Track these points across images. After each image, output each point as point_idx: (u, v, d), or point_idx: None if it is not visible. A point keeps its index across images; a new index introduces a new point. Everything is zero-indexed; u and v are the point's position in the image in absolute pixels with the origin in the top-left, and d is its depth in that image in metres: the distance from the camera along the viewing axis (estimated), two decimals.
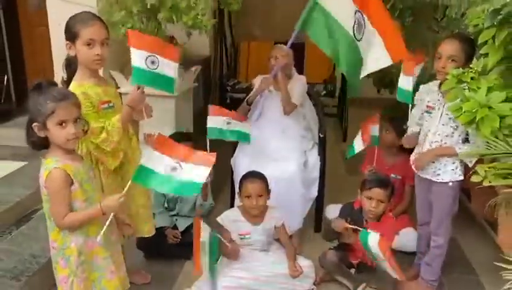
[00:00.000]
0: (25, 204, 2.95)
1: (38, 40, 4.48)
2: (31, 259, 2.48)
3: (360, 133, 3.08)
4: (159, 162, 1.86)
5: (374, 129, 3.00)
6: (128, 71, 3.24)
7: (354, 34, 2.51)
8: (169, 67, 2.19)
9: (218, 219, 2.70)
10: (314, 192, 3.15)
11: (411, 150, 2.62)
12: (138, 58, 2.09)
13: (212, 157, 2.01)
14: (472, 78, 2.03)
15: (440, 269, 2.56)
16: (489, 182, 1.94)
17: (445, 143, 2.38)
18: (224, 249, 2.64)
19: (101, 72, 2.27)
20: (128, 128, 2.31)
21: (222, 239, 2.44)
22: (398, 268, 2.29)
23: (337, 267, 2.69)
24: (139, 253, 2.90)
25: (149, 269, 2.79)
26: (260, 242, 2.68)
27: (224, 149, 3.38)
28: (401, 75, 2.65)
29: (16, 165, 3.40)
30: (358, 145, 3.07)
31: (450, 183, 2.39)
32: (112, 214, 1.84)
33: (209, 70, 5.34)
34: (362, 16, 2.48)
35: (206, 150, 2.75)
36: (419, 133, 2.53)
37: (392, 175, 3.11)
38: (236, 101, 4.23)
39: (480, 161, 2.19)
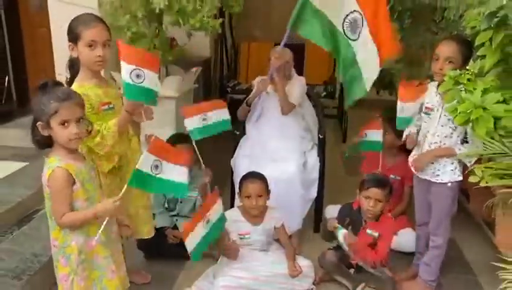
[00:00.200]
0: (26, 204, 2.98)
1: (40, 41, 4.50)
2: (33, 258, 2.50)
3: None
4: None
5: (377, 134, 2.96)
6: None
7: (344, 32, 2.55)
8: (152, 80, 2.11)
9: None
10: (313, 193, 3.17)
11: (410, 151, 2.64)
12: (126, 72, 2.03)
13: (185, 156, 2.05)
14: (468, 80, 2.05)
15: (439, 269, 2.58)
16: (486, 182, 1.96)
17: (444, 144, 2.40)
18: (223, 249, 2.66)
19: (102, 73, 2.29)
20: (127, 130, 2.33)
21: (227, 233, 2.44)
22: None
23: (336, 267, 2.70)
24: (139, 253, 2.91)
25: (149, 269, 2.81)
26: (260, 242, 2.69)
27: (224, 150, 3.41)
28: (398, 103, 2.58)
29: (17, 165, 3.42)
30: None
31: (449, 184, 2.41)
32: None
33: (209, 72, 5.37)
34: (362, 17, 2.50)
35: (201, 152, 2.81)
36: (417, 133, 2.55)
37: (392, 176, 3.12)
38: (236, 102, 4.25)
39: (479, 162, 2.21)
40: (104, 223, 1.83)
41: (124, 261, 2.15)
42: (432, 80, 2.46)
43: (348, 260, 2.68)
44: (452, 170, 2.40)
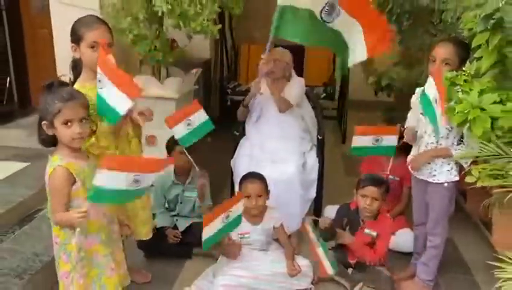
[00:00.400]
0: (27, 204, 2.99)
1: (41, 42, 4.52)
2: (34, 258, 2.52)
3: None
4: (117, 179, 1.75)
5: (393, 140, 2.79)
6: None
7: (322, 19, 2.67)
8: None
9: None
10: (312, 193, 3.19)
11: (408, 152, 2.66)
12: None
13: (163, 161, 2.05)
14: (465, 81, 2.07)
15: (436, 269, 2.60)
16: (482, 182, 1.99)
17: (440, 144, 2.43)
18: (224, 247, 2.68)
19: None
20: (127, 131, 2.35)
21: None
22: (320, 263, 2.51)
23: None
24: (139, 252, 2.93)
25: (150, 268, 2.83)
26: (259, 242, 2.71)
27: (224, 150, 3.43)
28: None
29: (18, 165, 3.43)
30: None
31: (446, 184, 2.43)
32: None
33: (209, 73, 5.38)
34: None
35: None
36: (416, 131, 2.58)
37: (390, 177, 3.14)
38: (236, 103, 4.27)
39: (475, 162, 2.23)
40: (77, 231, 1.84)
41: (125, 260, 2.17)
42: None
43: (346, 259, 2.70)
44: (448, 170, 2.42)
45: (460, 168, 2.39)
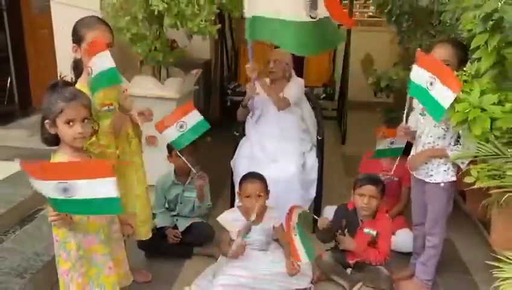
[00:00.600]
0: (28, 204, 3.00)
1: (41, 42, 4.54)
2: (35, 257, 2.53)
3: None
4: (48, 189, 1.62)
5: (403, 141, 2.81)
6: (129, 75, 3.30)
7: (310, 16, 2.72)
8: (102, 62, 2.00)
9: (218, 219, 2.74)
10: (312, 193, 3.21)
11: (408, 153, 2.68)
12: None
13: (107, 166, 1.60)
14: (465, 81, 2.08)
15: (435, 269, 2.61)
16: (481, 183, 2.00)
17: (437, 145, 2.44)
18: (224, 248, 2.70)
19: None
20: (127, 132, 2.37)
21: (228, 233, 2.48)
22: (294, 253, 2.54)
23: (333, 268, 2.74)
24: (140, 252, 2.94)
25: (150, 268, 2.84)
26: (259, 242, 2.72)
27: (224, 151, 3.45)
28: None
29: (19, 165, 3.43)
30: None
31: (442, 184, 2.45)
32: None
33: (209, 73, 5.40)
34: None
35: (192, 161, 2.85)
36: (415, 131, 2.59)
37: (390, 177, 3.15)
38: (236, 103, 4.27)
39: (473, 163, 2.24)
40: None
41: (127, 259, 2.18)
42: None
43: (345, 259, 2.71)
44: (445, 170, 2.43)
45: (458, 168, 2.40)
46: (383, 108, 3.95)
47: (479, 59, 2.15)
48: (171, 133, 2.72)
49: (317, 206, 3.29)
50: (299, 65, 4.37)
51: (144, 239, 2.60)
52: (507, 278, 1.74)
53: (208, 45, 5.08)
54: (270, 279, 2.58)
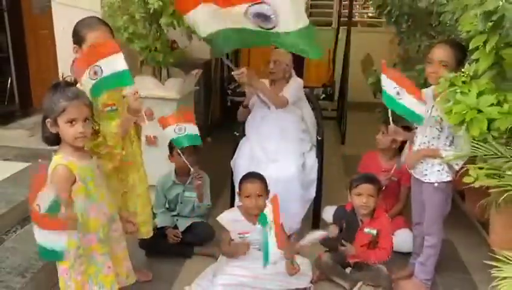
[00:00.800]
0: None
1: (42, 43, 4.55)
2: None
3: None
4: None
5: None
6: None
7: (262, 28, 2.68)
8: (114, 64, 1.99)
9: (218, 219, 2.75)
10: (312, 193, 3.22)
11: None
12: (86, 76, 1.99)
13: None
14: (463, 82, 2.09)
15: (434, 268, 2.62)
16: (480, 182, 2.01)
17: (432, 145, 2.46)
18: (224, 248, 2.71)
19: None
20: (129, 132, 2.38)
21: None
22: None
23: (332, 269, 2.75)
24: (141, 252, 2.95)
25: (150, 267, 2.85)
26: (259, 241, 2.73)
27: (225, 151, 3.46)
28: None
29: (20, 165, 3.45)
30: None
31: (436, 184, 2.46)
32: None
33: (210, 74, 5.40)
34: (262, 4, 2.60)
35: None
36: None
37: (390, 177, 3.16)
38: (236, 104, 4.30)
39: (469, 163, 2.25)
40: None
41: (128, 257, 2.20)
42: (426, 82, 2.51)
43: (344, 259, 2.72)
44: (439, 170, 2.45)
45: (458, 169, 2.41)
46: (383, 108, 3.94)
47: (477, 60, 2.17)
48: (171, 133, 2.75)
49: (316, 206, 3.30)
50: (299, 66, 4.37)
51: (146, 238, 2.61)
52: (505, 278, 1.75)
53: (208, 45, 5.08)
54: (270, 278, 2.59)
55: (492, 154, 1.98)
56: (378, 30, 7.03)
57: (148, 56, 3.30)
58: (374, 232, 2.64)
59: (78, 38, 2.15)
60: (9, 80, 4.67)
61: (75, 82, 2.18)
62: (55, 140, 1.91)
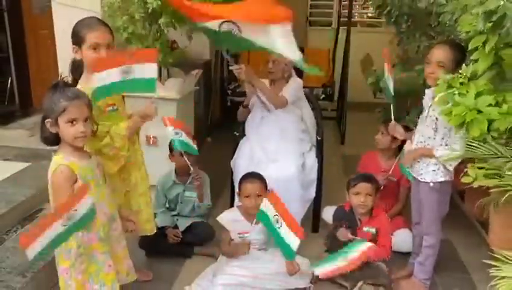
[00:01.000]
0: (29, 203, 3.01)
1: (42, 43, 4.55)
2: None
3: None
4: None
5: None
6: None
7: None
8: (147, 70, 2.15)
9: (218, 219, 2.76)
10: (312, 193, 3.22)
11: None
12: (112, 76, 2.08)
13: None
14: (461, 84, 2.10)
15: (433, 268, 2.63)
16: (479, 182, 2.02)
17: (428, 144, 2.47)
18: (224, 248, 2.71)
19: None
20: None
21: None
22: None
23: None
24: (141, 252, 2.96)
25: (150, 267, 2.86)
26: (259, 241, 2.73)
27: (224, 151, 3.46)
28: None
29: (20, 165, 3.45)
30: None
31: (431, 184, 2.47)
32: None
33: (210, 74, 5.41)
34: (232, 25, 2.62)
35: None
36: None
37: (390, 177, 3.17)
38: (236, 104, 4.31)
39: (465, 164, 2.26)
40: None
41: (129, 256, 2.21)
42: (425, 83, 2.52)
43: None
44: (434, 170, 2.46)
45: (457, 169, 2.42)
46: (382, 108, 3.95)
47: (476, 60, 2.17)
48: (170, 132, 2.76)
49: (316, 206, 3.30)
50: None
51: (149, 234, 2.63)
52: (504, 277, 1.76)
53: (207, 45, 5.10)
54: (270, 278, 2.59)
55: (492, 155, 1.98)
56: (377, 30, 7.04)
57: None
58: (373, 230, 2.65)
59: (77, 38, 2.16)
60: (9, 80, 4.67)
61: (76, 82, 2.20)
62: (54, 140, 1.91)
